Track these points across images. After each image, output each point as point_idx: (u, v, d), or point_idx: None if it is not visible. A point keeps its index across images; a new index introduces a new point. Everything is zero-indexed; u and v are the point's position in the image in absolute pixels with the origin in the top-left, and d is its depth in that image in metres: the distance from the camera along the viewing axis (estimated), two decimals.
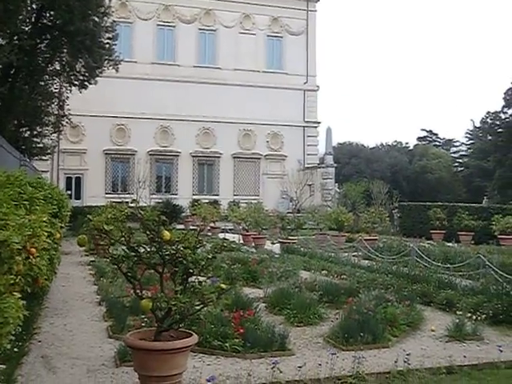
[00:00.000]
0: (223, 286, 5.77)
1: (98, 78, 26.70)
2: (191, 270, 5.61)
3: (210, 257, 5.69)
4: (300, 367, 6.35)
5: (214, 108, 42.62)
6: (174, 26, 44.06)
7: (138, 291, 5.84)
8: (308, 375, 6.33)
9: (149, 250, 5.81)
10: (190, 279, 5.74)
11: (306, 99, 46.50)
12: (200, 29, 44.66)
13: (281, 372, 6.19)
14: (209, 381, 5.69)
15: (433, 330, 8.79)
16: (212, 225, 30.34)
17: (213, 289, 5.71)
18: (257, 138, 44.94)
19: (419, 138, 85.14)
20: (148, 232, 5.69)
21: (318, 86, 47.28)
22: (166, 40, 43.97)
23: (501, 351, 7.22)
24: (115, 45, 26.44)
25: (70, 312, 9.96)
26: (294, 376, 6.31)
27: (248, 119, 43.92)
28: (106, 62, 25.72)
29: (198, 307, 5.67)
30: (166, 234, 5.61)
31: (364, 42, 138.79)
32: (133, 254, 5.71)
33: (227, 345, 7.35)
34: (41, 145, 30.47)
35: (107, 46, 25.24)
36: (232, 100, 43.02)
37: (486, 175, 64.21)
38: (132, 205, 7.06)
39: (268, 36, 46.18)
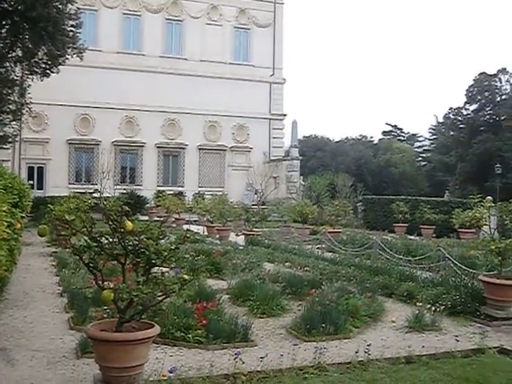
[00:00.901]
0: (186, 276, 5.76)
1: (61, 67, 26.21)
2: (154, 261, 5.58)
3: (172, 247, 5.67)
4: (262, 358, 6.37)
5: (179, 99, 42.32)
6: (140, 16, 43.55)
7: (99, 282, 5.79)
8: (270, 366, 6.37)
9: (111, 240, 5.76)
10: (152, 270, 5.72)
11: (272, 92, 46.55)
12: (167, 19, 44.26)
13: (243, 363, 6.21)
14: (170, 372, 5.69)
15: (393, 321, 8.93)
16: (176, 216, 30.21)
17: (175, 280, 5.70)
18: (222, 129, 44.84)
19: (384, 133, 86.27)
20: (110, 222, 5.65)
21: (284, 79, 47.37)
22: (132, 29, 43.44)
23: (457, 341, 7.39)
24: (79, 33, 25.97)
25: (30, 303, 9.81)
26: (256, 367, 6.33)
27: (214, 111, 43.76)
28: (70, 49, 25.22)
29: (160, 298, 5.65)
30: (129, 225, 5.58)
31: (330, 36, 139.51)
32: (94, 244, 5.66)
33: (190, 336, 7.35)
34: (1, 133, 29.83)
35: (71, 33, 24.77)
36: (198, 91, 42.77)
37: (448, 170, 65.48)
38: (95, 195, 6.99)
39: (235, 28, 46.01)
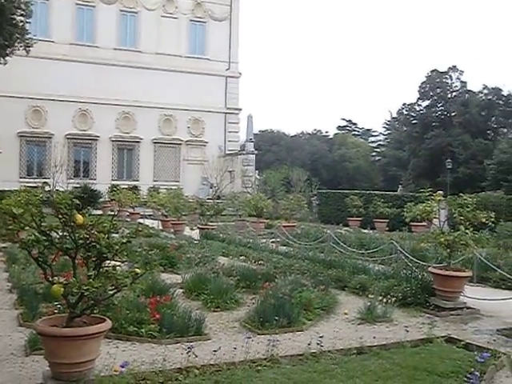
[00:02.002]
0: (138, 270, 5.72)
1: (12, 57, 25.46)
2: (105, 255, 5.52)
3: (124, 241, 5.62)
4: (215, 351, 6.39)
5: (134, 92, 41.78)
6: (93, 6, 42.71)
7: (49, 277, 5.68)
8: (223, 359, 6.39)
9: (61, 234, 5.67)
10: (103, 264, 5.65)
11: (228, 86, 46.44)
12: (121, 10, 43.55)
13: (196, 356, 6.20)
14: (122, 366, 5.64)
15: (346, 314, 9.07)
16: (131, 210, 29.89)
17: (127, 274, 5.65)
18: (178, 123, 44.53)
19: (339, 127, 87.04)
20: (60, 216, 5.55)
21: (240, 73, 47.33)
22: (86, 20, 42.57)
23: (407, 331, 7.58)
24: (29, 22, 25.22)
25: None
26: (210, 360, 6.34)
27: (169, 104, 43.40)
28: (18, 41, 24.43)
29: (111, 292, 5.60)
30: (79, 218, 5.49)
31: (286, 30, 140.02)
32: (44, 238, 5.55)
33: (143, 330, 7.31)
34: None
35: (20, 24, 24.02)
36: (153, 84, 42.32)
37: (401, 164, 66.57)
38: (47, 188, 6.85)
39: (191, 21, 45.64)
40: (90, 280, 5.33)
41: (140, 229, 6.14)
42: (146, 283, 9.07)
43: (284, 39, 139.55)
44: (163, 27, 44.17)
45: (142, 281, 8.31)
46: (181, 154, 44.78)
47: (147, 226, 23.12)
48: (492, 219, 10.47)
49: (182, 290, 10.11)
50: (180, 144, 44.75)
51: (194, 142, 45.07)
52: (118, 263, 5.88)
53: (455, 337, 7.72)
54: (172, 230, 21.93)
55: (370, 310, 8.78)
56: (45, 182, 22.55)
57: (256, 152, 43.52)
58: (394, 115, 72.48)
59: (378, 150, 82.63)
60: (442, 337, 7.63)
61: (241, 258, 14.55)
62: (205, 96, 44.06)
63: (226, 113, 46.36)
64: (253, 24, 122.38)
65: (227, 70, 46.42)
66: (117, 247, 5.54)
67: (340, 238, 16.59)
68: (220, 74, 45.91)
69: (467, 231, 9.90)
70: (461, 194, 11.04)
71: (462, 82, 63.48)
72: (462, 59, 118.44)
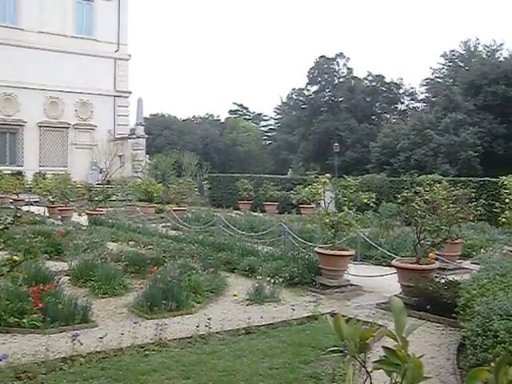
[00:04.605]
0: (16, 258, 5.49)
1: None
2: None
3: (0, 228, 5.36)
4: (101, 338, 6.29)
5: (16, 72, 39.54)
6: None
7: None
8: (110, 345, 6.31)
9: None
10: None
11: (117, 68, 45.15)
12: None
13: (81, 344, 6.07)
14: (0, 360, 5.41)
15: (235, 295, 9.20)
16: (15, 197, 28.53)
17: (4, 262, 5.40)
18: (65, 106, 42.79)
19: (230, 112, 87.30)
20: None
21: (129, 55, 46.18)
22: None
23: (293, 310, 7.84)
24: None
25: None
26: (96, 347, 6.24)
27: (55, 86, 41.53)
28: None
29: None
30: None
31: (177, 13, 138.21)
32: None
33: (25, 321, 7.07)
34: None
35: None
36: (37, 65, 40.27)
37: (291, 148, 68.08)
38: None
39: None
40: None
41: (19, 215, 5.86)
42: (28, 271, 8.73)
43: (175, 22, 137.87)
44: (47, 4, 42.00)
45: (23, 269, 8.03)
46: (68, 138, 43.11)
47: (32, 212, 22.21)
48: (373, 199, 10.96)
49: (68, 278, 9.85)
50: (67, 128, 43.07)
51: (82, 125, 43.54)
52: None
53: (339, 313, 8.05)
54: (59, 217, 21.22)
55: (259, 291, 8.96)
56: None
57: (146, 136, 42.84)
58: (285, 100, 73.78)
59: (269, 134, 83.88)
60: (327, 313, 7.93)
61: (130, 243, 14.35)
62: (93, 78, 42.59)
63: (115, 96, 45.12)
64: (143, 5, 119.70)
65: (116, 51, 45.11)
66: None
67: (230, 221, 16.76)
68: (108, 56, 44.54)
69: (350, 212, 10.30)
70: (345, 176, 11.46)
71: (348, 68, 65.61)
72: (348, 47, 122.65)
